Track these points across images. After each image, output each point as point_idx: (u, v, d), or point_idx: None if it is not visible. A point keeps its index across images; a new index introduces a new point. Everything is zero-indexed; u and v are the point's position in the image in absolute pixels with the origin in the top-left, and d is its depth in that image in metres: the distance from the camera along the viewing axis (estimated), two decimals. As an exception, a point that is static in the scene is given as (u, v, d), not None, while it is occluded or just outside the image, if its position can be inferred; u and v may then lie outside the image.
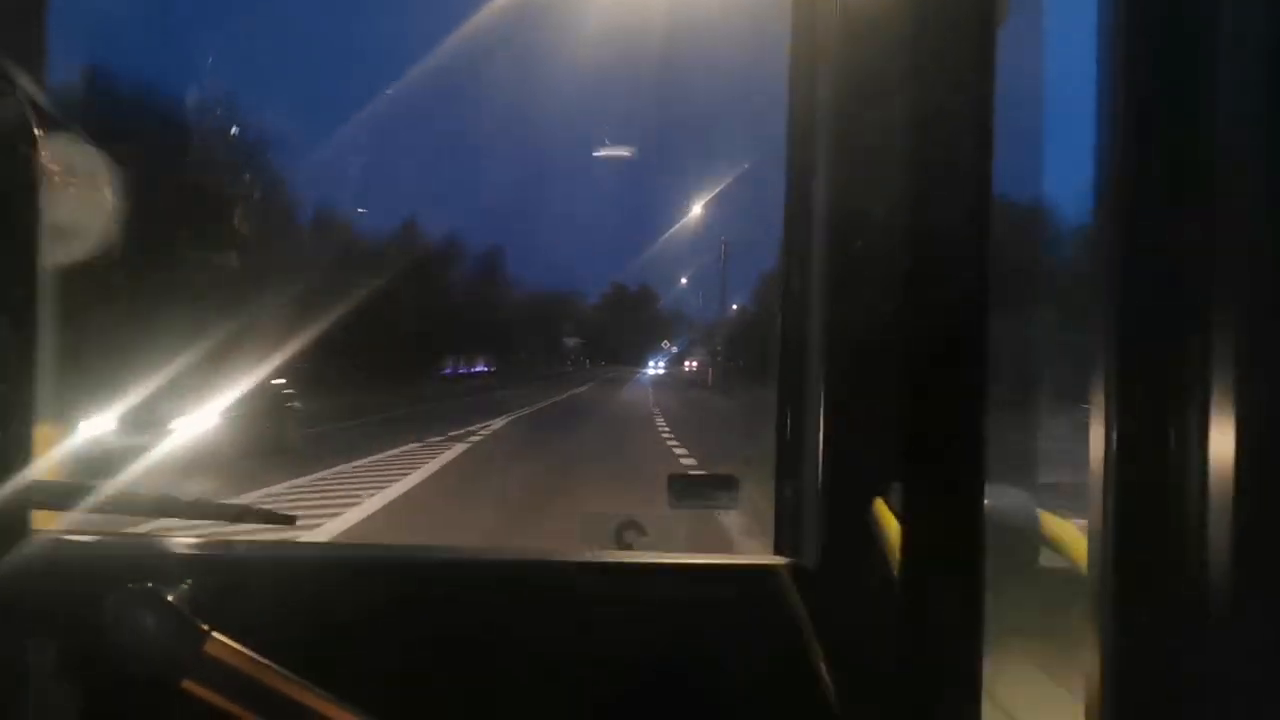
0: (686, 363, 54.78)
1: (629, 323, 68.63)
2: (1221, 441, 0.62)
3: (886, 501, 1.02)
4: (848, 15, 1.04)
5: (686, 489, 1.25)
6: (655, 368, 59.71)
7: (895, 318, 1.02)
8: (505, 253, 57.68)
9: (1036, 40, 1.08)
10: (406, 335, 33.11)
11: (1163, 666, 0.66)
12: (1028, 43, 1.07)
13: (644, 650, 1.07)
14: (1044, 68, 1.08)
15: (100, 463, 1.45)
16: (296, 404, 14.02)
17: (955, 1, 0.95)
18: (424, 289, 38.88)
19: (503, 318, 54.37)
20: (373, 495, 9.77)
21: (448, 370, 43.95)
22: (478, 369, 48.58)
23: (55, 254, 1.46)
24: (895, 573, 1.00)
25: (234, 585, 1.10)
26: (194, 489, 7.73)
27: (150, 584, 0.96)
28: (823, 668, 1.02)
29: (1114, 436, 0.69)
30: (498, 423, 18.94)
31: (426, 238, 43.76)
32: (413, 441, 14.34)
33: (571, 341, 70.31)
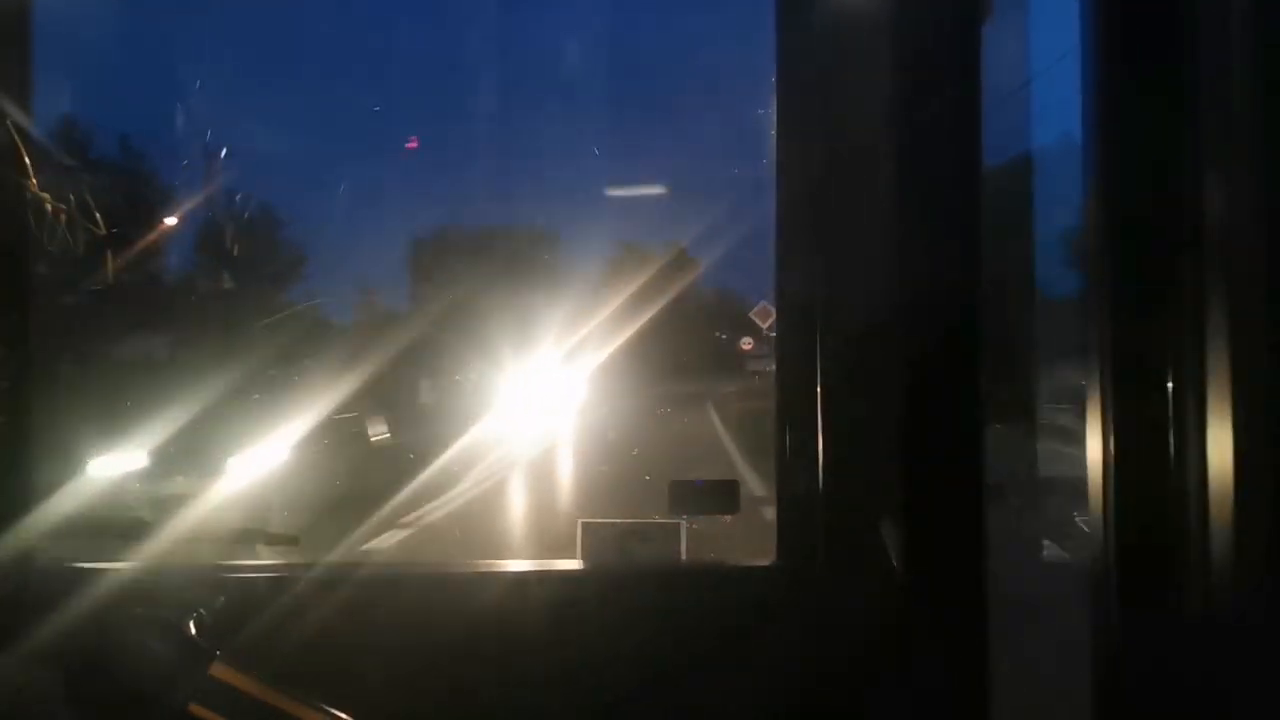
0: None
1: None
2: (1218, 438, 0.62)
3: (887, 504, 1.02)
4: (832, 12, 1.04)
5: (686, 496, 1.25)
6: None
7: (890, 319, 1.02)
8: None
9: (1021, 34, 1.09)
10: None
11: (1165, 663, 0.66)
12: (1012, 37, 1.07)
13: (648, 656, 1.07)
14: (1029, 61, 1.09)
15: (149, 508, 1.38)
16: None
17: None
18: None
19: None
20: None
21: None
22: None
23: (48, 282, 1.46)
24: (897, 574, 1.00)
25: (240, 607, 1.10)
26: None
27: (155, 609, 0.95)
28: (827, 669, 1.02)
29: (1111, 434, 0.69)
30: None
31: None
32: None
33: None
